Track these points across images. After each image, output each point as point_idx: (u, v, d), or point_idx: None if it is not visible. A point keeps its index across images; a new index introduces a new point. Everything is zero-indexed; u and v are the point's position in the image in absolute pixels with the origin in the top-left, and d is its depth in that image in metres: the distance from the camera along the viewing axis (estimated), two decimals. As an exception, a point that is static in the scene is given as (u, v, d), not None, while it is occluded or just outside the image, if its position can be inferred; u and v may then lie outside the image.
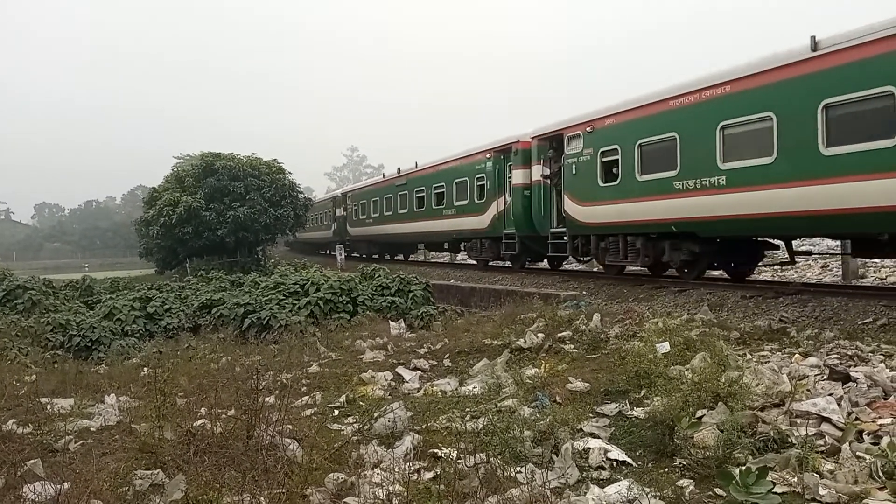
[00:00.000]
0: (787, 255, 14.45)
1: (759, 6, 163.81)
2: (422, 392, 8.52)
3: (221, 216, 32.15)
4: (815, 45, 11.36)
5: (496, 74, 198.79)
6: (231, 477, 5.20)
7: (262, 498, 4.70)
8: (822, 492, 4.62)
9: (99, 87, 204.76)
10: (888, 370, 6.68)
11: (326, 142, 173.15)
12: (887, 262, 17.38)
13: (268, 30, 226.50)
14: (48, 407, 7.75)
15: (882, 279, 16.80)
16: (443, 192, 26.37)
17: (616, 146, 16.07)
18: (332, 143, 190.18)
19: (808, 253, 16.88)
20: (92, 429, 7.19)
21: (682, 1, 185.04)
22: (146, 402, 7.72)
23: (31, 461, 5.82)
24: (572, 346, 9.48)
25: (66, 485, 4.94)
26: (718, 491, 4.83)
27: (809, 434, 5.37)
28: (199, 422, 6.63)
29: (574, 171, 17.66)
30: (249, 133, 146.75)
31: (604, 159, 16.60)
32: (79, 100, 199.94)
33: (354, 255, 38.87)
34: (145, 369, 10.53)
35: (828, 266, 19.20)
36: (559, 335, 9.96)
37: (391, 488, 4.87)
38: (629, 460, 5.71)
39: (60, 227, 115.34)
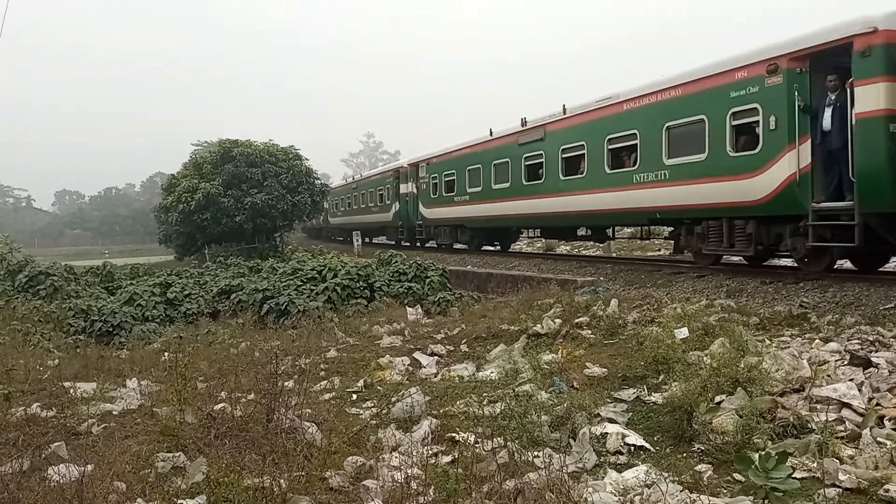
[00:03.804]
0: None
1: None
2: (439, 377, 8.55)
3: (239, 202, 32.25)
4: (490, 133, 22.99)
5: (499, 75, 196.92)
6: (251, 460, 5.26)
7: (281, 480, 4.74)
8: (841, 477, 4.59)
9: (120, 96, 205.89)
10: (910, 356, 6.60)
11: (342, 132, 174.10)
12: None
13: (284, 34, 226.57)
14: (71, 391, 7.87)
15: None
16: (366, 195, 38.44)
17: (436, 174, 27.32)
18: (347, 132, 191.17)
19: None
20: (114, 412, 7.31)
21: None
22: (167, 386, 7.83)
23: (55, 444, 5.93)
24: (590, 332, 9.46)
25: (89, 467, 5.02)
26: (737, 476, 4.82)
27: (829, 419, 5.34)
28: (220, 406, 6.72)
29: (423, 188, 28.86)
30: (266, 132, 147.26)
31: (433, 182, 27.60)
32: (97, 108, 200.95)
33: (338, 238, 45.64)
34: (166, 354, 10.66)
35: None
36: (576, 321, 9.94)
37: (409, 472, 4.90)
38: (647, 445, 5.72)
39: (80, 214, 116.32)
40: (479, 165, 23.22)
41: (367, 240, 40.98)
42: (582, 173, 17.28)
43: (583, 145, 17.12)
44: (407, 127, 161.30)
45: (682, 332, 8.08)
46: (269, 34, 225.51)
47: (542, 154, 19.13)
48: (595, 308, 10.37)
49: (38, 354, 11.57)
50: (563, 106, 18.32)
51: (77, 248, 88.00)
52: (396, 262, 19.38)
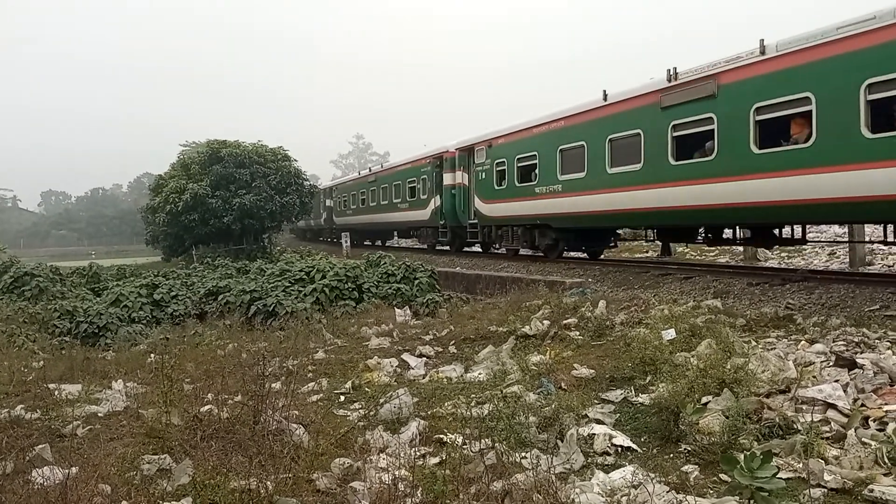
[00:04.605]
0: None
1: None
2: (427, 378, 8.54)
3: (227, 203, 32.17)
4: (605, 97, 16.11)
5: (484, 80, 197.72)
6: (238, 462, 5.23)
7: (268, 482, 4.72)
8: (827, 477, 4.62)
9: (109, 97, 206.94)
10: (895, 357, 6.65)
11: (331, 134, 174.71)
12: (895, 249, 17.22)
13: (275, 38, 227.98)
14: (56, 393, 7.82)
15: (889, 266, 16.73)
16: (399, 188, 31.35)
17: (503, 158, 21.09)
18: (336, 135, 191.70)
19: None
20: (99, 414, 7.24)
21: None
22: (153, 387, 7.78)
23: (40, 446, 5.87)
24: (578, 333, 9.48)
25: (74, 469, 4.98)
26: (723, 476, 4.84)
27: (815, 420, 5.36)
28: (206, 407, 6.68)
29: (481, 177, 22.49)
30: (255, 133, 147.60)
31: (497, 168, 21.37)
32: (85, 108, 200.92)
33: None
34: (152, 356, 10.60)
35: (835, 253, 19.12)
36: (564, 322, 9.96)
37: (397, 473, 4.89)
38: (634, 446, 5.73)
39: (67, 215, 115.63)
40: (583, 143, 16.90)
41: (377, 242, 38.89)
42: (803, 143, 11.51)
43: (807, 99, 11.34)
44: (395, 130, 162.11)
45: (670, 334, 8.11)
46: (260, 38, 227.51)
47: (711, 118, 13.18)
48: (583, 309, 10.40)
49: (23, 356, 11.47)
50: (761, 41, 12.09)
51: (63, 248, 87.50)
52: (385, 263, 19.38)
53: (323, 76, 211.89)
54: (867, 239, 16.43)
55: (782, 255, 20.19)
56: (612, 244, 21.17)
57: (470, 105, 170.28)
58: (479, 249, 26.18)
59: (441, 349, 10.21)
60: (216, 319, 16.22)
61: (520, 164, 20.10)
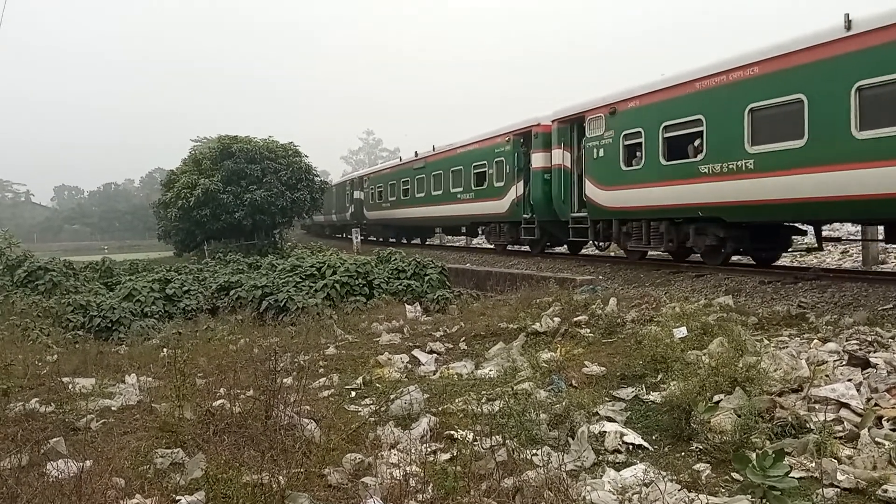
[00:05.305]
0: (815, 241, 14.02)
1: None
2: (438, 375, 8.56)
3: (239, 199, 32.25)
4: (849, 23, 10.45)
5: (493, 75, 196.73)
6: (250, 456, 5.27)
7: (280, 477, 4.75)
8: (840, 477, 4.60)
9: (120, 92, 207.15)
10: (909, 356, 6.61)
11: (341, 130, 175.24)
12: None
13: (284, 33, 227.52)
14: (70, 386, 7.88)
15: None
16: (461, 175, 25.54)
17: (637, 128, 15.50)
18: (346, 131, 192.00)
19: (837, 239, 16.59)
20: (113, 408, 7.30)
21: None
22: (166, 382, 7.83)
23: (54, 439, 5.93)
24: (588, 331, 9.47)
25: (88, 462, 5.03)
26: (735, 475, 4.83)
27: (828, 420, 5.34)
28: (219, 402, 6.73)
29: (597, 155, 16.89)
30: (266, 129, 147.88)
31: (625, 143, 15.94)
32: (97, 103, 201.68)
33: (370, 238, 38.63)
34: (165, 350, 10.66)
35: (848, 252, 18.99)
36: (575, 319, 9.95)
37: (408, 469, 4.91)
38: (645, 444, 5.72)
39: (80, 209, 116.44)
40: (801, 96, 11.26)
41: (398, 239, 35.12)
42: None
43: None
44: (398, 125, 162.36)
45: (681, 332, 8.09)
46: (269, 33, 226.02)
47: None
48: (594, 307, 10.39)
49: (37, 349, 11.55)
50: None
51: (76, 243, 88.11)
52: (395, 259, 19.38)
53: (328, 72, 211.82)
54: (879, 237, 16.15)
55: (794, 253, 20.06)
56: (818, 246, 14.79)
57: (472, 100, 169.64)
58: (566, 251, 21.53)
59: (451, 346, 10.22)
60: (228, 314, 16.25)
61: (668, 135, 14.62)
